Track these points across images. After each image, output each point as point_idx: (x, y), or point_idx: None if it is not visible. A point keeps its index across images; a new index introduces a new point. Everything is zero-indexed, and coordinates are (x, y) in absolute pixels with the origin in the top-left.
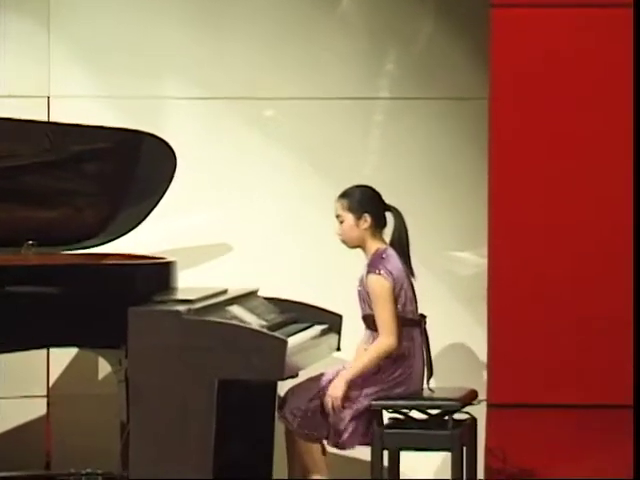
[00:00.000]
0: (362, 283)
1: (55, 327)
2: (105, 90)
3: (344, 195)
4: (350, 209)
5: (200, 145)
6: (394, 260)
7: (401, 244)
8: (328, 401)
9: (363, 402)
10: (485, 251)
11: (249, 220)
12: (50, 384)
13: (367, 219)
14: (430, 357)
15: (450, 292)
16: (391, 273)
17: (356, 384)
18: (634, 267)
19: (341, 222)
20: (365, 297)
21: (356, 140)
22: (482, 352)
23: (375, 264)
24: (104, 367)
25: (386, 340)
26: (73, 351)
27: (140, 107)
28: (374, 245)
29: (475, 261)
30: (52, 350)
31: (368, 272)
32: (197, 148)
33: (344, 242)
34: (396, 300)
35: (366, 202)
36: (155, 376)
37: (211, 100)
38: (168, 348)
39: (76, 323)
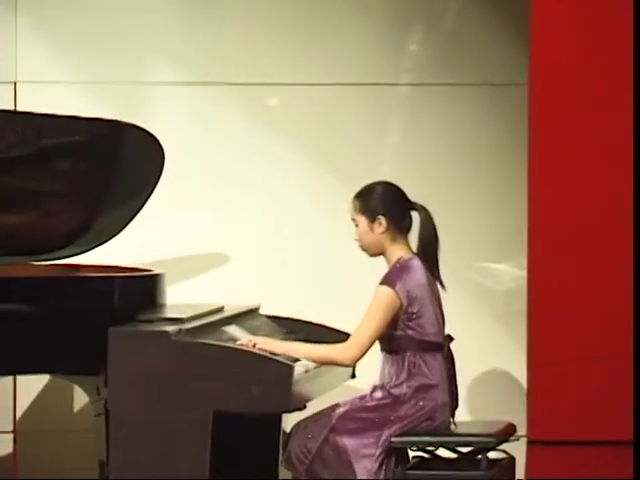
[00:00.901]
0: None
1: (22, 350)
2: (80, 75)
3: (358, 195)
4: (364, 211)
5: (192, 139)
6: (417, 273)
7: (428, 251)
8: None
9: (384, 447)
10: (524, 262)
11: (249, 226)
12: (17, 417)
13: (382, 222)
14: (456, 386)
15: (483, 310)
16: (407, 292)
17: (373, 425)
18: None
19: (356, 226)
20: None
21: (373, 133)
22: (521, 380)
23: (391, 276)
24: (80, 398)
25: (346, 354)
26: (44, 379)
27: (121, 94)
28: (395, 253)
29: (512, 274)
30: (19, 378)
31: (381, 283)
32: (188, 142)
33: (362, 249)
34: (408, 323)
35: (382, 202)
36: (140, 408)
37: (204, 86)
38: (155, 375)
39: (47, 346)
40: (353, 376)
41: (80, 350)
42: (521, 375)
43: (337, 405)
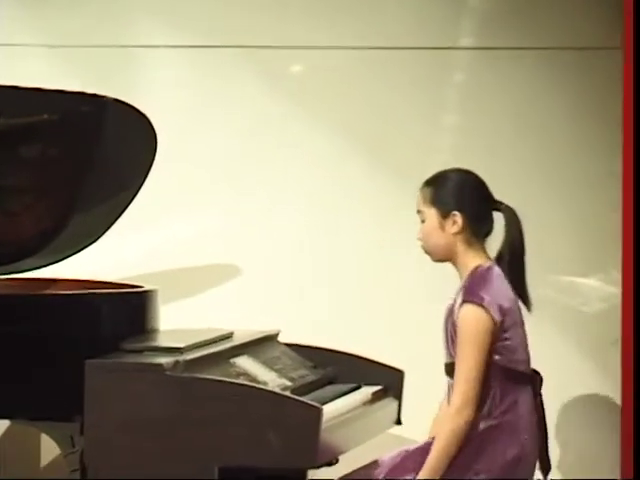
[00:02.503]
0: (451, 314)
1: None
2: (51, 37)
3: (429, 182)
4: (434, 202)
5: (191, 117)
6: (503, 284)
7: (514, 262)
8: None
9: None
10: (618, 276)
11: (264, 229)
12: None
13: (457, 220)
14: (546, 437)
15: (565, 336)
16: (498, 304)
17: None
18: None
19: (422, 221)
20: (452, 335)
21: (423, 110)
22: (614, 420)
23: (475, 289)
24: (50, 448)
25: (463, 409)
26: (1, 425)
27: (101, 61)
28: (472, 260)
29: (602, 291)
30: None
31: (464, 300)
32: (187, 121)
33: (426, 251)
34: (498, 343)
35: (460, 194)
36: (124, 463)
37: (210, 50)
38: (144, 421)
39: (5, 384)
40: (398, 422)
41: (48, 389)
42: (614, 415)
43: (379, 462)
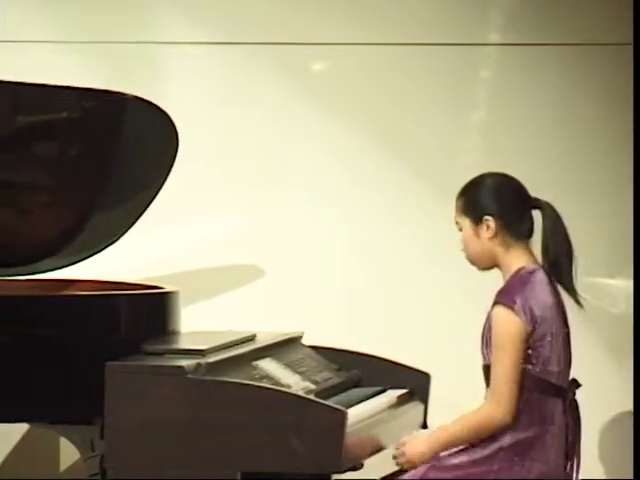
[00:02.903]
0: (489, 318)
1: None
2: (68, 33)
3: (461, 191)
4: (467, 211)
5: (213, 115)
6: (542, 290)
7: (559, 262)
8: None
9: None
10: None
11: (288, 230)
12: None
13: (490, 224)
14: (579, 450)
15: (593, 339)
16: (531, 310)
17: None
18: None
19: (460, 230)
20: (487, 338)
21: (450, 108)
22: None
23: (509, 292)
24: (69, 452)
25: (495, 409)
26: (21, 429)
27: (123, 57)
28: (513, 262)
29: (630, 292)
30: None
31: (496, 302)
32: (208, 119)
33: (470, 261)
34: (528, 352)
35: (491, 198)
36: (145, 467)
37: (230, 46)
38: (165, 424)
39: (23, 386)
40: (424, 426)
41: (68, 391)
42: None
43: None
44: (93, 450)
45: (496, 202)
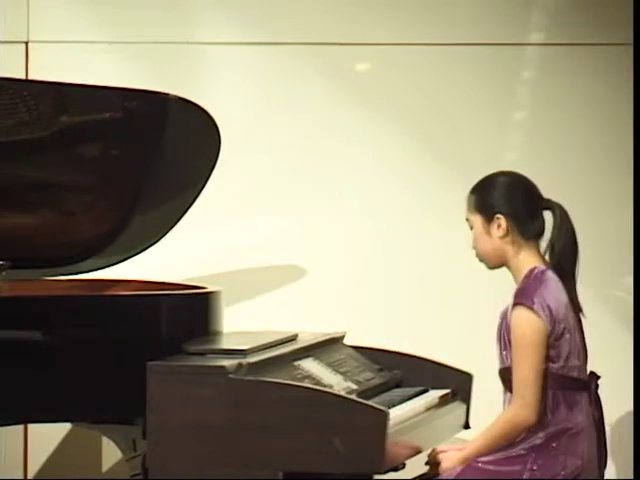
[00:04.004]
0: (505, 318)
1: (35, 392)
2: (110, 33)
3: (474, 188)
4: (479, 208)
5: (256, 116)
6: (554, 287)
7: (565, 264)
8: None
9: None
10: None
11: (330, 230)
12: (28, 475)
13: (501, 223)
14: (605, 440)
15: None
16: (549, 308)
17: None
18: None
19: (471, 228)
20: (506, 340)
21: (493, 107)
22: None
23: (526, 292)
24: (111, 452)
25: (520, 413)
26: (63, 428)
27: (164, 57)
28: (524, 263)
29: None
30: (32, 427)
31: (515, 304)
32: (251, 120)
33: (479, 259)
34: (549, 350)
35: (503, 197)
36: (187, 467)
37: (274, 47)
38: (207, 424)
39: (67, 385)
40: (467, 426)
41: (110, 391)
42: None
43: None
44: (135, 450)
45: (508, 201)
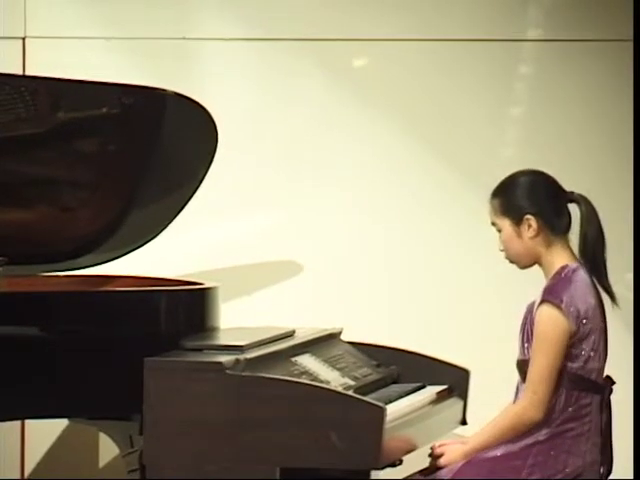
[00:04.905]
0: (531, 312)
1: (34, 388)
2: (108, 29)
3: (496, 191)
4: (506, 211)
5: (253, 112)
6: (584, 288)
7: (594, 256)
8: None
9: None
10: None
11: (327, 226)
12: (25, 474)
13: (532, 223)
14: (611, 446)
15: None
16: (577, 309)
17: None
18: None
19: (499, 232)
20: (529, 333)
21: (491, 103)
22: None
23: (554, 290)
24: (108, 448)
25: (528, 408)
26: (60, 425)
27: (161, 53)
28: (556, 260)
29: None
30: (29, 425)
31: (543, 300)
32: (248, 116)
33: (511, 261)
34: (570, 349)
35: (530, 197)
36: (184, 463)
37: (272, 43)
38: (204, 420)
39: (64, 381)
40: (464, 422)
41: (107, 387)
42: None
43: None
44: (132, 446)
45: (534, 200)
